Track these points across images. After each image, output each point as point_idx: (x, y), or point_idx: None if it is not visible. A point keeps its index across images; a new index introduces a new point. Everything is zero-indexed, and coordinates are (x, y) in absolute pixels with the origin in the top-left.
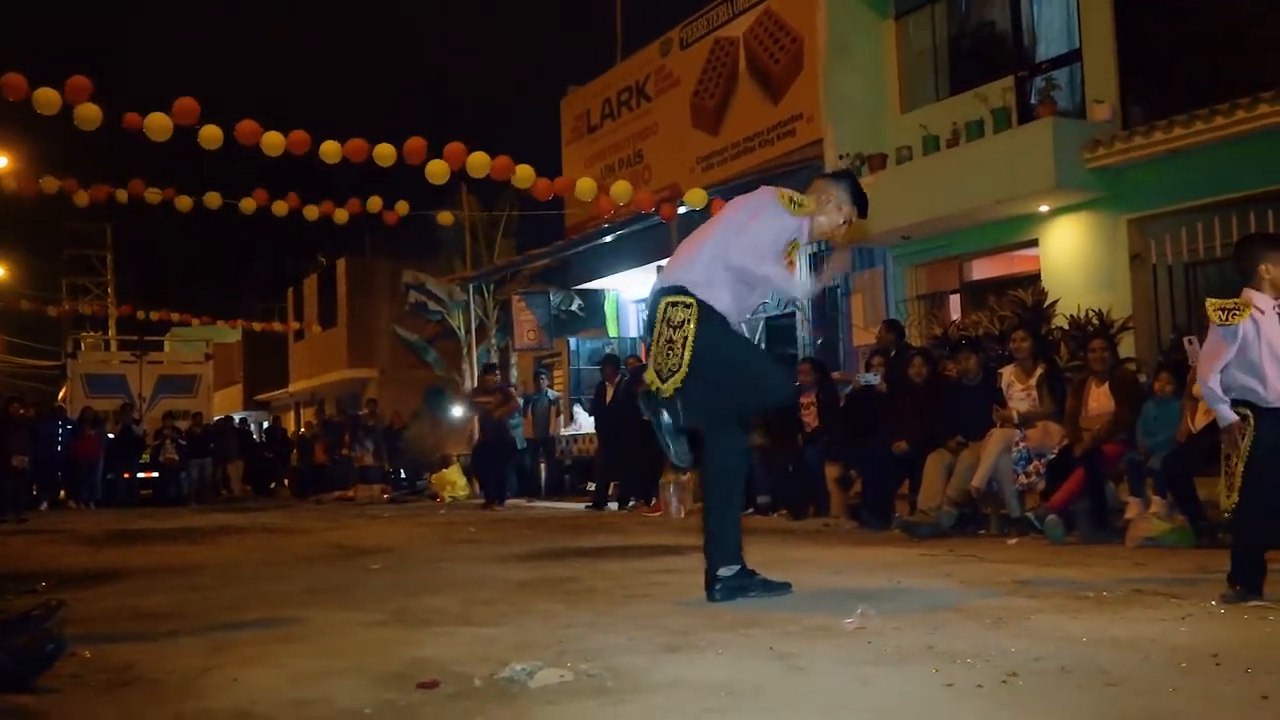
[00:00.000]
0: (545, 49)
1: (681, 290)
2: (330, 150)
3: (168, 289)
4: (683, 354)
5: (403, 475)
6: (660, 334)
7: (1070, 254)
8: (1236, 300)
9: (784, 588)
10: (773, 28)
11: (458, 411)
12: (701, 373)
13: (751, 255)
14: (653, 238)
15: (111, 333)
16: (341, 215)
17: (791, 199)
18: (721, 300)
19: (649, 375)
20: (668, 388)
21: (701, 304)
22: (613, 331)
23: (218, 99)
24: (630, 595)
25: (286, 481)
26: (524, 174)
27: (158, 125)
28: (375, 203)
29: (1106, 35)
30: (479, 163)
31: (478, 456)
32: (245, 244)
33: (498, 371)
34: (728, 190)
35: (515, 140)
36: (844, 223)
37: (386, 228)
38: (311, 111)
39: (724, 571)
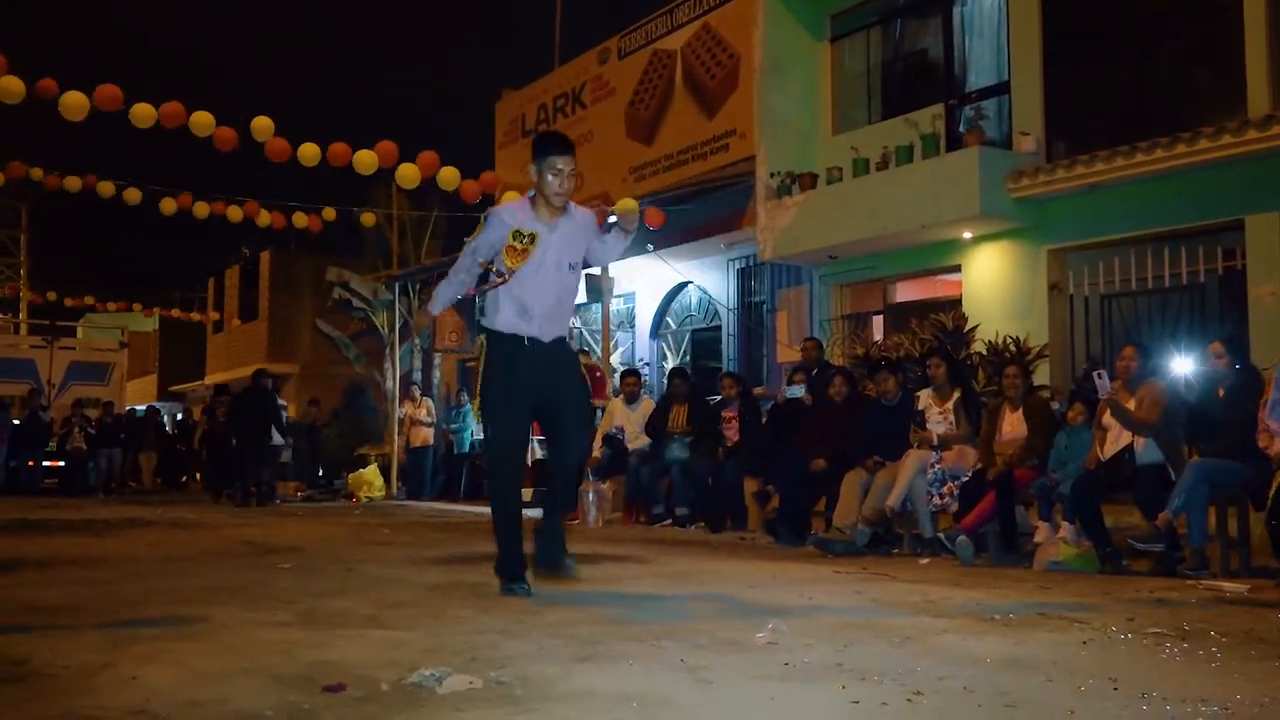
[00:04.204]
0: (481, 50)
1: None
2: (261, 126)
3: (84, 273)
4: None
5: (319, 473)
6: None
7: (991, 281)
8: None
9: (514, 590)
10: (710, 43)
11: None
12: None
13: None
14: None
15: (23, 316)
16: (266, 218)
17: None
18: (497, 321)
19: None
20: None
21: (488, 334)
22: None
23: (141, 78)
24: (542, 603)
25: (198, 475)
26: (448, 175)
27: (74, 104)
28: (300, 218)
29: (1034, 70)
30: (409, 174)
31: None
32: (167, 231)
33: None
34: (659, 200)
35: (448, 141)
36: (554, 175)
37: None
38: (237, 99)
39: None
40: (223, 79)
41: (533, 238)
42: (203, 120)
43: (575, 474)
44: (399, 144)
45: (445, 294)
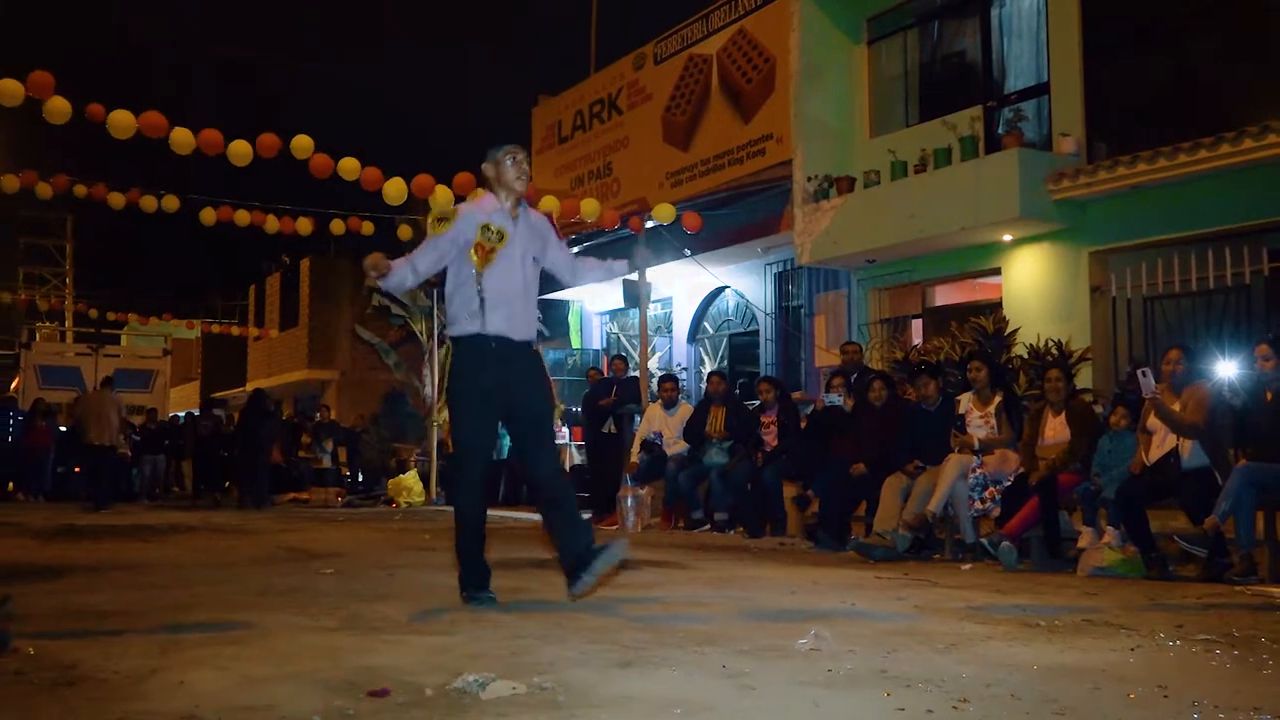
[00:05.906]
0: (518, 56)
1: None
2: (301, 145)
3: (128, 280)
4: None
5: (360, 479)
6: None
7: (1032, 284)
8: None
9: (478, 599)
10: (746, 47)
11: None
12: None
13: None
14: (620, 250)
15: (68, 324)
16: (305, 225)
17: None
18: (465, 325)
19: None
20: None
21: (455, 341)
22: (575, 343)
23: (183, 91)
24: (583, 608)
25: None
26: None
27: (121, 123)
28: (338, 225)
29: (1074, 70)
30: (442, 198)
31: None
32: (209, 238)
33: None
34: (696, 206)
35: (486, 146)
36: (512, 161)
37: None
38: (280, 111)
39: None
40: (222, 79)
41: (501, 234)
42: (241, 150)
43: (557, 476)
44: (410, 146)
45: (401, 279)
